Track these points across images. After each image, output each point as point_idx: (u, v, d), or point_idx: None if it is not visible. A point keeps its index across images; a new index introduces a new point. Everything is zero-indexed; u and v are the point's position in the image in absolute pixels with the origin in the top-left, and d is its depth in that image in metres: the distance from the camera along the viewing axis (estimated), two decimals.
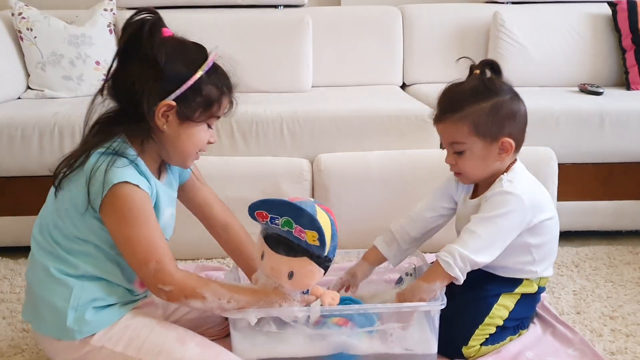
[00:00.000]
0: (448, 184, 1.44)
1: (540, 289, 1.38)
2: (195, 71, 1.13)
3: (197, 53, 1.17)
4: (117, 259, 1.16)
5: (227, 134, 1.94)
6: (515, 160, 1.36)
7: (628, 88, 2.36)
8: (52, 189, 1.16)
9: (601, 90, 2.18)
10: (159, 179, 1.21)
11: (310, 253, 1.16)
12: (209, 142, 1.21)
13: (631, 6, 2.39)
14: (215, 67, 1.17)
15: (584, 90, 2.24)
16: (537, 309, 1.47)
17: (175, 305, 1.33)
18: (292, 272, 1.18)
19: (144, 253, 1.10)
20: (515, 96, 1.32)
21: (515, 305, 1.34)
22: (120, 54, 1.13)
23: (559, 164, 1.90)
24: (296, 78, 2.47)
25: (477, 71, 1.32)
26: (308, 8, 2.67)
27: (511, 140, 1.29)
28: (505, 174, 1.31)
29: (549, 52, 2.47)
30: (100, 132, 1.15)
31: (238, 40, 2.47)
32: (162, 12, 2.48)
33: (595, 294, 1.62)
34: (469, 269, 1.24)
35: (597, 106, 2.00)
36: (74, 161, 1.13)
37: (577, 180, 2.01)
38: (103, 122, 1.16)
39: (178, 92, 1.12)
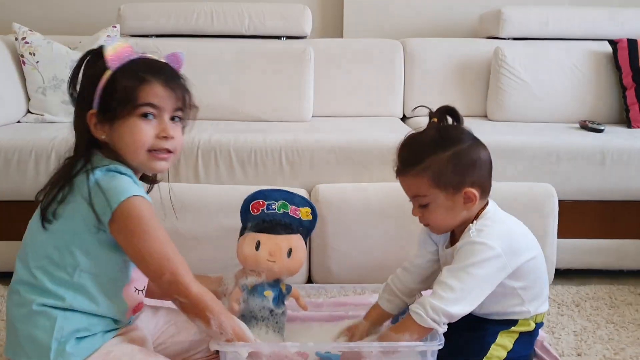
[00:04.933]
0: (427, 229, 1.39)
1: (538, 325, 1.34)
2: (100, 72, 1.12)
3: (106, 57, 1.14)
4: (111, 291, 1.13)
5: (225, 162, 1.92)
6: (487, 203, 1.31)
7: (629, 126, 2.36)
8: (36, 222, 1.12)
9: (602, 128, 2.18)
10: None
11: (302, 229, 1.38)
12: (163, 137, 1.13)
13: (631, 44, 2.41)
14: (132, 62, 1.13)
15: (585, 127, 2.23)
16: (537, 349, 1.43)
17: (159, 329, 1.32)
18: (290, 248, 1.34)
19: (157, 266, 1.08)
20: (475, 143, 1.27)
21: (513, 344, 1.29)
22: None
23: (559, 200, 1.88)
24: (297, 108, 2.48)
25: (435, 119, 1.29)
26: (310, 39, 2.69)
27: (474, 190, 1.24)
28: (474, 222, 1.26)
29: (550, 88, 2.47)
30: (75, 159, 1.14)
31: (241, 69, 2.49)
32: (166, 41, 2.57)
33: (596, 335, 1.59)
34: (445, 321, 1.18)
35: (598, 143, 1.99)
36: (61, 191, 1.10)
37: (578, 217, 1.98)
38: (76, 149, 1.16)
39: (96, 100, 1.11)
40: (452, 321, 1.21)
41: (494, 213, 1.29)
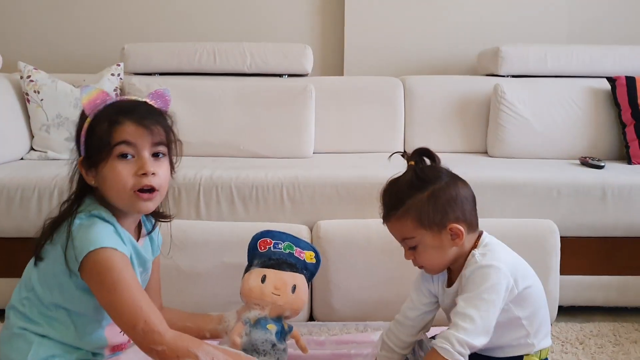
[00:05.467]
0: (422, 278, 1.39)
1: None
2: (84, 120, 1.16)
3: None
4: (89, 328, 1.17)
5: (227, 198, 1.93)
6: (481, 233, 1.32)
7: (629, 162, 2.36)
8: (33, 258, 1.20)
9: (602, 164, 2.18)
10: (137, 239, 1.24)
11: (305, 272, 1.42)
12: (142, 174, 1.14)
13: (630, 81, 2.43)
14: (107, 106, 1.17)
15: (585, 163, 2.24)
16: None
17: None
18: (295, 285, 1.39)
19: (129, 316, 1.09)
20: (453, 180, 1.29)
21: None
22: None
23: (561, 237, 1.88)
24: (298, 144, 2.49)
25: (412, 162, 1.31)
26: (312, 77, 2.72)
27: (458, 226, 1.25)
28: (475, 249, 1.27)
29: (550, 124, 2.49)
30: (71, 202, 1.20)
31: (242, 106, 2.51)
32: (169, 79, 2.60)
33: None
34: (468, 353, 1.18)
35: (599, 179, 1.99)
36: (52, 232, 1.17)
37: (580, 254, 1.97)
38: (75, 191, 1.21)
39: (81, 147, 1.17)
40: (473, 351, 1.20)
41: (492, 239, 1.31)
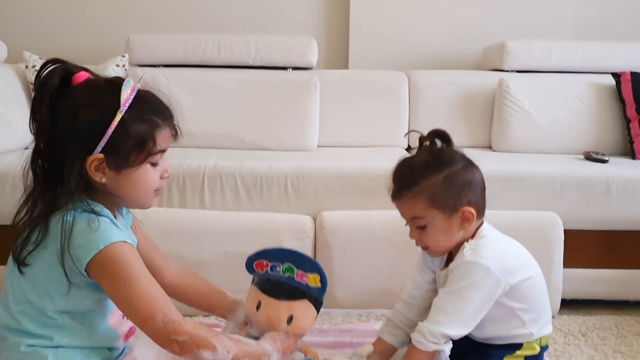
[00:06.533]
0: (423, 257, 1.40)
1: (543, 348, 1.32)
2: (114, 114, 1.02)
3: (111, 93, 1.04)
4: (96, 323, 1.11)
5: (231, 188, 1.94)
6: (482, 223, 1.32)
7: (633, 157, 2.36)
8: (12, 267, 1.07)
9: (606, 158, 2.19)
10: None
11: (309, 295, 1.22)
12: (162, 178, 1.12)
13: (634, 77, 2.43)
14: (138, 100, 1.05)
15: (589, 157, 2.24)
16: None
17: (164, 358, 1.29)
18: (291, 315, 1.21)
19: (147, 308, 1.04)
20: (469, 164, 1.29)
21: None
22: (35, 114, 1.04)
23: (564, 230, 1.88)
24: (302, 137, 2.50)
25: (427, 143, 1.31)
26: (316, 70, 2.72)
27: (471, 209, 1.25)
28: (469, 241, 1.27)
29: (554, 119, 2.49)
30: (47, 194, 1.06)
31: (247, 99, 2.52)
32: (173, 71, 2.60)
33: None
34: (445, 341, 1.20)
35: (603, 173, 1.99)
36: (34, 234, 1.04)
37: (583, 247, 1.98)
38: (46, 183, 1.07)
39: (102, 143, 1.03)
40: (454, 339, 1.21)
41: (489, 231, 1.30)
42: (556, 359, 1.59)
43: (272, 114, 2.50)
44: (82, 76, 1.05)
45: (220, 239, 1.85)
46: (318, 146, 2.54)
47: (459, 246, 1.28)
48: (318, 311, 1.26)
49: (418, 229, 1.29)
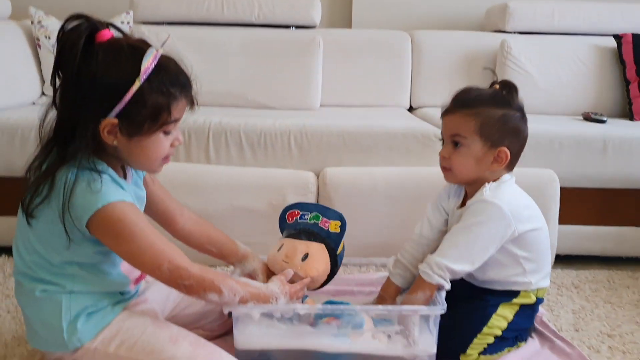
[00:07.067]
0: (439, 198, 1.47)
1: (539, 300, 1.39)
2: (133, 81, 1.02)
3: (133, 59, 1.03)
4: (105, 270, 1.15)
5: (236, 144, 1.97)
6: (507, 174, 1.38)
7: (631, 118, 2.40)
8: (22, 215, 1.09)
9: (604, 119, 2.22)
10: (125, 179, 1.16)
11: (327, 242, 1.36)
12: (173, 146, 1.13)
13: (636, 39, 2.45)
14: (159, 69, 1.05)
15: (588, 118, 2.28)
16: (536, 324, 1.48)
17: (172, 300, 1.35)
18: (307, 254, 1.33)
19: (152, 260, 1.08)
20: (524, 117, 1.37)
21: (514, 316, 1.35)
22: (57, 67, 1.05)
23: (561, 187, 1.92)
24: (305, 96, 2.52)
25: (497, 86, 1.37)
26: (319, 29, 2.73)
27: (508, 152, 1.32)
28: (490, 183, 1.33)
29: (555, 81, 2.52)
30: (58, 149, 1.07)
31: (249, 57, 2.53)
32: (177, 29, 2.61)
33: (594, 314, 1.63)
34: (449, 276, 1.27)
35: (600, 132, 2.03)
36: (41, 188, 1.06)
37: (579, 204, 2.02)
38: (57, 137, 1.07)
39: (118, 109, 1.03)
40: (456, 277, 1.28)
41: (510, 181, 1.36)
42: (548, 308, 1.65)
43: (275, 73, 2.52)
44: (106, 35, 1.04)
45: (226, 193, 1.89)
46: (320, 105, 2.57)
47: (478, 186, 1.34)
48: (333, 270, 1.37)
49: (453, 145, 1.34)
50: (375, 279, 1.62)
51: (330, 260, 1.36)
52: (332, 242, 1.37)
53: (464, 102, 1.34)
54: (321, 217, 1.41)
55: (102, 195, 1.03)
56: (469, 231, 1.29)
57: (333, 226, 1.39)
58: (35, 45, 2.35)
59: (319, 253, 1.35)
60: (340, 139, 1.99)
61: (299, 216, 1.42)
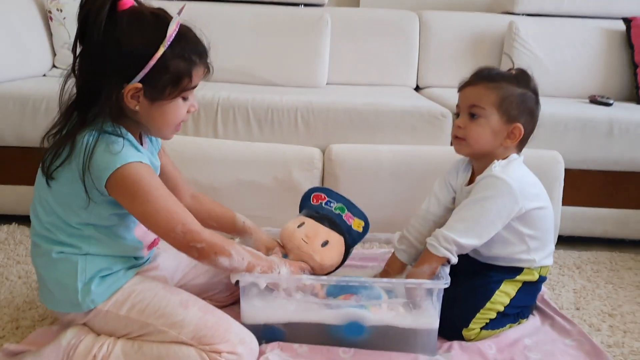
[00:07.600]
0: (448, 175, 1.49)
1: (542, 278, 1.41)
2: (157, 48, 1.05)
3: (157, 26, 1.07)
4: (120, 234, 1.18)
5: (243, 119, 1.99)
6: (516, 153, 1.40)
7: (638, 102, 2.40)
8: (41, 179, 1.13)
9: (611, 102, 2.22)
10: (142, 145, 1.18)
11: (346, 237, 1.38)
12: (189, 112, 1.17)
13: None
14: (180, 37, 1.08)
15: (594, 101, 2.28)
16: (537, 302, 1.50)
17: (181, 270, 1.38)
18: (327, 241, 1.35)
19: (166, 222, 1.10)
20: (539, 102, 1.40)
21: (516, 293, 1.37)
22: (80, 35, 1.09)
23: (565, 169, 1.93)
24: (312, 74, 2.53)
25: (513, 71, 1.40)
26: (328, 7, 2.73)
27: (522, 129, 1.34)
28: (499, 160, 1.35)
29: (562, 63, 2.51)
30: (79, 115, 1.10)
31: (257, 34, 2.53)
32: (186, 4, 2.60)
33: (595, 294, 1.65)
34: (456, 250, 1.30)
35: (606, 115, 2.03)
36: (61, 150, 1.09)
37: (583, 186, 2.04)
38: (78, 103, 1.11)
39: (142, 74, 1.06)
40: (463, 252, 1.31)
41: (519, 160, 1.39)
42: (550, 287, 1.67)
43: (283, 50, 2.52)
44: (127, 2, 1.07)
45: (233, 167, 1.91)
46: (327, 83, 2.58)
47: (487, 163, 1.36)
48: (339, 265, 1.39)
49: (470, 118, 1.36)
50: (379, 254, 1.64)
51: (343, 255, 1.38)
52: (351, 239, 1.40)
53: (484, 75, 1.37)
54: (346, 210, 1.42)
55: (121, 156, 1.07)
56: (478, 205, 1.31)
57: (356, 224, 1.41)
58: (47, 17, 2.36)
59: (338, 244, 1.37)
60: (347, 116, 2.00)
61: (325, 201, 1.43)
